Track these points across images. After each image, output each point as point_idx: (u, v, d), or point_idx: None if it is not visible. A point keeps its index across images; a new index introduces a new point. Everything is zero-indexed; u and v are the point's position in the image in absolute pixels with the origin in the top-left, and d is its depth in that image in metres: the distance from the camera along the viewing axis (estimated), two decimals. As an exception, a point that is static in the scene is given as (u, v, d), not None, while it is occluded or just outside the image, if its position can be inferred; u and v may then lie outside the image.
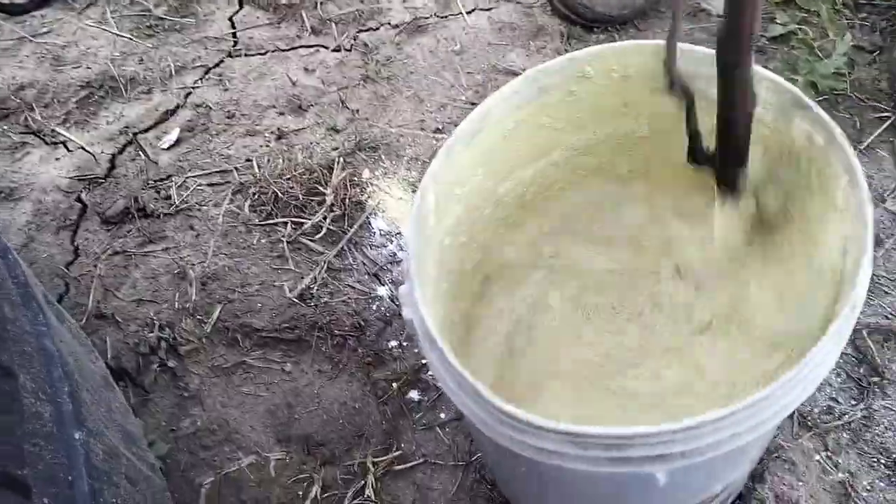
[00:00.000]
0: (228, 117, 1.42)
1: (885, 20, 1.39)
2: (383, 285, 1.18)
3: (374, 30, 1.54)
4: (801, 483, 0.95)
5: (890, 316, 1.07)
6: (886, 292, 1.09)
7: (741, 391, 0.79)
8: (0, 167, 1.37)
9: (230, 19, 1.59)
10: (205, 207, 1.29)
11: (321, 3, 1.58)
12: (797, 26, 1.36)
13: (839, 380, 1.03)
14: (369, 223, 1.25)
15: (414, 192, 1.22)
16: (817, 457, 0.97)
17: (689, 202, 0.86)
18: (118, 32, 1.58)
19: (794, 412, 0.99)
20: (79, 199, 1.33)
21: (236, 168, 1.33)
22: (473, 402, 0.57)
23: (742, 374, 0.80)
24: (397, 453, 1.02)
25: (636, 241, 0.92)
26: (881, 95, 1.29)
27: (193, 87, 1.47)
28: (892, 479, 0.95)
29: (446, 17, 1.54)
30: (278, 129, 1.38)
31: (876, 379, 1.02)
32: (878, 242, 1.14)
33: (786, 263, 0.78)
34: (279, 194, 1.26)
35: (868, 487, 0.95)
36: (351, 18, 1.55)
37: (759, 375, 0.78)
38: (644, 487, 0.67)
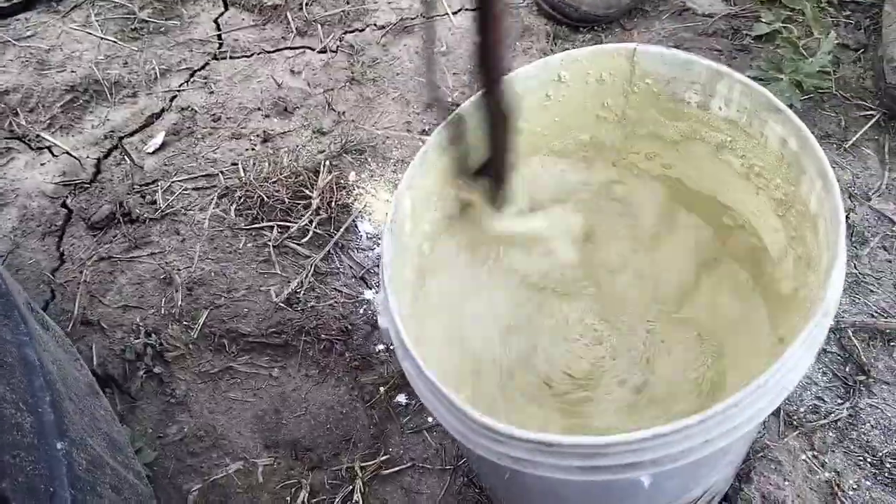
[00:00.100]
0: (214, 120, 1.41)
1: (869, 18, 1.39)
2: (370, 289, 1.18)
3: (360, 31, 1.53)
4: (787, 483, 0.95)
5: (875, 314, 1.07)
6: (872, 291, 1.09)
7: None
8: (-15, 173, 1.37)
9: (215, 21, 1.58)
10: (190, 212, 1.29)
11: (306, 5, 1.58)
12: (782, 25, 1.36)
13: (825, 379, 1.03)
14: (356, 226, 1.24)
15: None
16: (803, 456, 0.97)
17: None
18: (102, 35, 1.57)
19: (780, 411, 1.00)
20: (64, 205, 1.33)
21: (222, 172, 1.33)
22: (447, 411, 0.57)
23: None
24: (385, 458, 1.02)
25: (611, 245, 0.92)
26: (866, 93, 1.29)
27: (179, 90, 1.47)
28: (878, 478, 0.95)
29: (432, 17, 1.54)
30: (264, 131, 1.38)
31: (862, 377, 1.02)
32: (864, 241, 1.14)
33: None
34: (265, 198, 1.26)
35: (854, 486, 0.95)
36: (336, 20, 1.55)
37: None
38: (628, 492, 0.67)
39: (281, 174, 1.28)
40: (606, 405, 0.87)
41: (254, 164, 1.33)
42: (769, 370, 0.52)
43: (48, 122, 1.44)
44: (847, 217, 1.16)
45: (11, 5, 1.62)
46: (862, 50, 1.35)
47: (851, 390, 1.01)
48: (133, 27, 1.58)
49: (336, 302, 1.16)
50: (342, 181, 1.29)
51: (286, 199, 1.26)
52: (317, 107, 1.41)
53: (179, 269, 1.22)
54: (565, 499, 0.75)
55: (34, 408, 0.72)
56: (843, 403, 1.00)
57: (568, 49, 1.46)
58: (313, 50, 1.51)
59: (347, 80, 1.44)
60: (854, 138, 1.24)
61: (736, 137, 0.75)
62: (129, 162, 1.37)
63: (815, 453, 0.97)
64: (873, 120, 1.26)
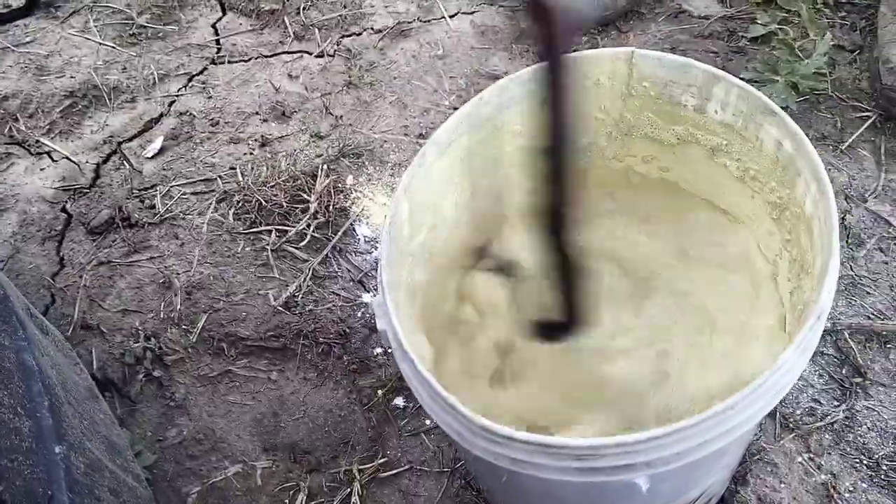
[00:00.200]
0: (212, 125, 1.42)
1: (865, 19, 1.39)
2: (368, 292, 1.18)
3: (358, 35, 1.54)
4: (783, 485, 0.96)
5: (872, 316, 1.07)
6: (868, 293, 1.10)
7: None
8: (-16, 178, 1.37)
9: (213, 26, 1.59)
10: (189, 216, 1.29)
11: (304, 9, 1.58)
12: (778, 26, 1.37)
13: (821, 381, 1.03)
14: (353, 230, 1.25)
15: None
16: (800, 458, 0.97)
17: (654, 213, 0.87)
18: (101, 41, 1.58)
19: (776, 414, 1.00)
20: (64, 210, 1.33)
21: (220, 176, 1.33)
22: (445, 412, 0.57)
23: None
24: (383, 460, 1.02)
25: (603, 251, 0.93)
26: (862, 95, 1.30)
27: (177, 95, 1.47)
28: (875, 480, 0.95)
29: (429, 21, 1.54)
30: (262, 136, 1.38)
31: (858, 380, 1.02)
32: (860, 243, 1.14)
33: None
34: (263, 202, 1.27)
35: (850, 488, 0.95)
36: (334, 24, 1.55)
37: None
38: (625, 495, 0.68)
39: (279, 178, 1.29)
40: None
41: (252, 168, 1.33)
42: (764, 373, 0.53)
43: (47, 127, 1.44)
44: (843, 219, 1.16)
45: (10, 11, 1.63)
46: (858, 51, 1.36)
47: (848, 393, 1.01)
48: (131, 33, 1.59)
49: (334, 305, 1.16)
50: (340, 185, 1.29)
51: (284, 203, 1.26)
52: (314, 111, 1.42)
53: (178, 274, 1.22)
54: (562, 501, 0.75)
55: (32, 412, 0.73)
56: (839, 406, 1.00)
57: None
58: (311, 54, 1.51)
59: (345, 85, 1.45)
60: (850, 140, 1.25)
61: (732, 141, 0.75)
62: (128, 167, 1.37)
63: (812, 456, 0.97)
64: (869, 121, 1.26)
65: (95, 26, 1.61)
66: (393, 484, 1.01)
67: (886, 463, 0.96)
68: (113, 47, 1.56)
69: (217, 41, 1.56)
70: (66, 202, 1.34)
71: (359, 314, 1.16)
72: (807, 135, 1.25)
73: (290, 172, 1.30)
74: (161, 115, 1.45)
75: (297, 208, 1.26)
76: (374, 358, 1.11)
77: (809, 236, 0.65)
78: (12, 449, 0.68)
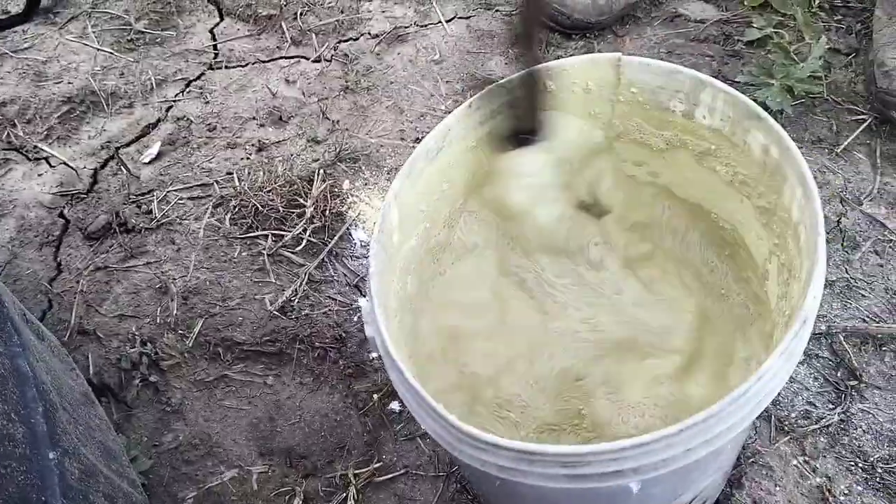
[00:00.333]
0: (209, 130, 1.42)
1: (860, 22, 1.39)
2: (364, 296, 1.18)
3: (355, 40, 1.54)
4: (778, 488, 0.96)
5: (867, 319, 1.07)
6: (863, 296, 1.10)
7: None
8: (-18, 184, 1.38)
9: (211, 32, 1.59)
10: (186, 221, 1.30)
11: (301, 14, 1.59)
12: (773, 30, 1.37)
13: (816, 384, 1.03)
14: (350, 234, 1.25)
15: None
16: (795, 461, 0.97)
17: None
18: (99, 47, 1.58)
19: (771, 417, 1.00)
20: (61, 215, 1.34)
21: (217, 181, 1.34)
22: (432, 419, 0.58)
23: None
24: (378, 465, 1.03)
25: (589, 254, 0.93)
26: (857, 98, 1.30)
27: (174, 101, 1.48)
28: (870, 483, 0.95)
29: (426, 25, 1.55)
30: (259, 141, 1.39)
31: (853, 382, 1.02)
32: (855, 246, 1.14)
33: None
34: (259, 207, 1.27)
35: (846, 491, 0.95)
36: (331, 29, 1.56)
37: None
38: (617, 499, 0.68)
39: (275, 183, 1.29)
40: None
41: (248, 173, 1.34)
42: (748, 380, 0.53)
43: (45, 133, 1.45)
44: (838, 222, 1.16)
45: (9, 17, 1.63)
46: (853, 54, 1.36)
47: (843, 395, 1.01)
48: (129, 38, 1.60)
49: (330, 310, 1.17)
50: (336, 190, 1.29)
51: (280, 207, 1.27)
52: (311, 116, 1.42)
53: (175, 279, 1.23)
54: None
55: (26, 418, 0.73)
56: (834, 408, 1.00)
57: (560, 56, 1.48)
58: (308, 59, 1.52)
59: (342, 89, 1.45)
60: (846, 143, 1.25)
61: (720, 145, 0.76)
62: (125, 172, 1.38)
63: (807, 458, 0.97)
64: (865, 124, 1.26)
65: (93, 32, 1.61)
66: (389, 488, 1.01)
67: (882, 466, 0.95)
68: (111, 53, 1.57)
69: (214, 46, 1.57)
70: (64, 207, 1.34)
71: (355, 318, 1.16)
72: (802, 138, 1.27)
73: (286, 177, 1.30)
74: (158, 121, 1.45)
75: (293, 213, 1.27)
76: (370, 362, 1.12)
77: (797, 241, 0.65)
78: (6, 455, 0.68)
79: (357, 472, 1.02)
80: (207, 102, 1.47)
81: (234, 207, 1.29)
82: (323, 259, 1.22)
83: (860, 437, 0.98)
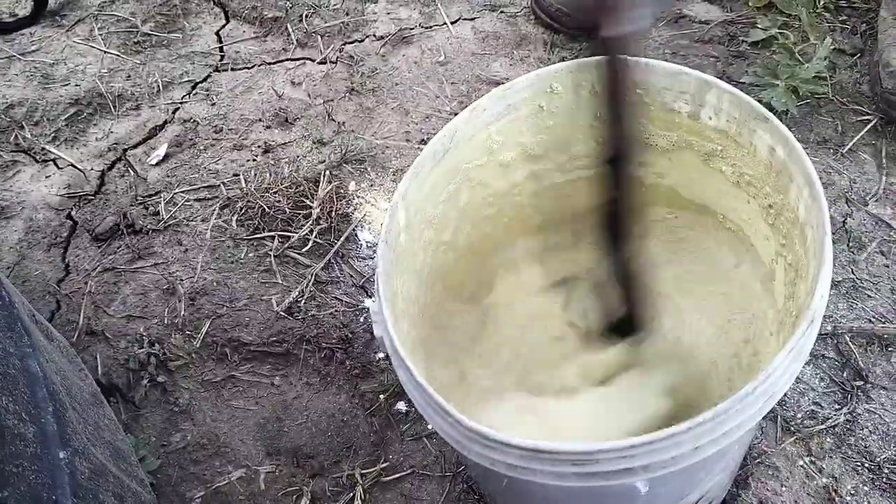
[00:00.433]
0: (216, 132, 1.43)
1: (865, 23, 1.39)
2: (370, 297, 1.19)
3: (360, 42, 1.55)
4: (784, 488, 0.96)
5: (873, 319, 1.07)
6: (869, 296, 1.10)
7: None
8: (-9, 186, 1.39)
9: (217, 34, 1.60)
10: (193, 223, 1.30)
11: (307, 16, 1.60)
12: (778, 31, 1.37)
13: (822, 384, 1.03)
14: (356, 235, 1.26)
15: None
16: (801, 462, 0.97)
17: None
18: (106, 49, 1.59)
19: (777, 417, 1.00)
20: (69, 217, 1.34)
21: (223, 183, 1.35)
22: (441, 418, 0.58)
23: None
24: (385, 465, 1.03)
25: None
26: (862, 98, 1.30)
27: (181, 103, 1.49)
28: (876, 483, 0.95)
29: (431, 27, 1.55)
30: (265, 142, 1.39)
31: (859, 383, 1.02)
32: (861, 246, 1.14)
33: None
34: (266, 208, 1.28)
35: (852, 492, 0.95)
36: (336, 31, 1.57)
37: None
38: (625, 498, 0.68)
39: (281, 184, 1.30)
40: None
41: (255, 174, 1.34)
42: (756, 378, 0.53)
43: (53, 135, 1.46)
44: (844, 222, 1.17)
45: (16, 20, 1.64)
46: (858, 55, 1.36)
47: (849, 396, 1.01)
48: (136, 40, 1.60)
49: (336, 311, 1.17)
50: (342, 191, 1.30)
51: (287, 209, 1.27)
52: (317, 117, 1.43)
53: (182, 280, 1.23)
54: (561, 505, 0.76)
55: (37, 418, 0.74)
56: (840, 409, 1.00)
57: (565, 57, 1.48)
58: (313, 61, 1.52)
59: (347, 91, 1.46)
60: (851, 143, 1.25)
61: (726, 146, 0.76)
62: (132, 174, 1.38)
63: (813, 459, 0.97)
64: (870, 125, 1.26)
65: (100, 34, 1.62)
66: (395, 488, 1.02)
67: (888, 466, 0.96)
68: (117, 55, 1.58)
69: (221, 49, 1.57)
70: (72, 209, 1.35)
71: (361, 319, 1.16)
72: (807, 138, 1.27)
73: (292, 179, 1.31)
74: (165, 123, 1.46)
75: (299, 214, 1.27)
76: (377, 363, 1.12)
77: (803, 241, 0.65)
78: (17, 454, 0.69)
79: (364, 471, 1.02)
80: (214, 104, 1.47)
81: (241, 209, 1.30)
82: (329, 260, 1.23)
83: (866, 438, 0.98)
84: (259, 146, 1.39)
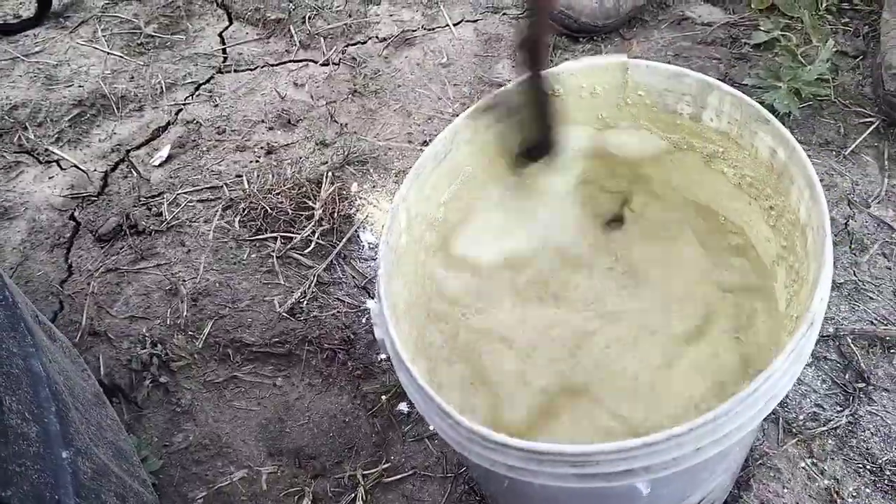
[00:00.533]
0: (218, 133, 1.43)
1: (868, 25, 1.39)
2: (372, 298, 1.19)
3: (363, 43, 1.55)
4: (786, 490, 0.96)
5: (875, 321, 1.07)
6: (871, 298, 1.10)
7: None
8: (-5, 187, 1.39)
9: (220, 35, 1.61)
10: (195, 224, 1.31)
11: (309, 18, 1.60)
12: (780, 33, 1.37)
13: (824, 386, 1.03)
14: (358, 237, 1.26)
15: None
16: (803, 463, 0.97)
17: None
18: (109, 50, 1.60)
19: (778, 419, 1.00)
20: (72, 218, 1.35)
21: (226, 184, 1.35)
22: (441, 419, 0.58)
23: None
24: (387, 465, 1.03)
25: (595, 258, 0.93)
26: (865, 101, 1.30)
27: (184, 104, 1.49)
28: (878, 485, 0.95)
29: (434, 29, 1.56)
30: (268, 144, 1.40)
31: (861, 385, 1.02)
32: (863, 248, 1.14)
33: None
34: (268, 209, 1.28)
35: (854, 494, 0.95)
36: (339, 32, 1.57)
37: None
38: (626, 500, 0.68)
39: (284, 186, 1.30)
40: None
41: (258, 175, 1.35)
42: (756, 379, 0.53)
43: (56, 136, 1.46)
44: (846, 224, 1.17)
45: (21, 22, 1.65)
46: (861, 57, 1.36)
47: (851, 398, 1.01)
48: (139, 42, 1.61)
49: (338, 312, 1.17)
50: (344, 192, 1.30)
51: (289, 210, 1.27)
52: (319, 119, 1.43)
53: (185, 280, 1.24)
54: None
55: (40, 418, 0.74)
56: (842, 411, 1.00)
57: (567, 59, 1.48)
58: (316, 63, 1.53)
59: (350, 93, 1.46)
60: (853, 145, 1.25)
61: (728, 148, 0.76)
62: (135, 175, 1.39)
63: (815, 460, 0.97)
64: (872, 127, 1.26)
65: (104, 36, 1.63)
66: (397, 489, 1.02)
67: (890, 468, 0.95)
68: (121, 56, 1.59)
69: (224, 50, 1.58)
70: (75, 210, 1.36)
71: (363, 320, 1.17)
72: (810, 140, 1.27)
73: (295, 180, 1.31)
74: (168, 124, 1.46)
75: (302, 215, 1.28)
76: (379, 364, 1.12)
77: (804, 243, 0.65)
78: (20, 454, 0.69)
79: (366, 472, 1.02)
80: (217, 106, 1.48)
81: (244, 210, 1.30)
82: (331, 261, 1.23)
83: (868, 440, 0.98)
84: (262, 147, 1.40)
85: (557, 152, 0.81)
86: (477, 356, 0.84)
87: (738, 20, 1.46)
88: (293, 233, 1.26)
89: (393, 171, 1.33)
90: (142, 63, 1.57)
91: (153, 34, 1.62)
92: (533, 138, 0.79)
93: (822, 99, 1.30)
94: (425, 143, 1.36)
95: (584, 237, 0.91)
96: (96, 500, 0.76)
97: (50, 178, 1.41)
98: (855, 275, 1.12)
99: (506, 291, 0.89)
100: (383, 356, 1.13)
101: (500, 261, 0.89)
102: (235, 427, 1.09)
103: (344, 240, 1.25)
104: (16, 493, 0.66)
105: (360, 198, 1.30)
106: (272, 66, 1.54)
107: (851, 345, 1.05)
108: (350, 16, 1.60)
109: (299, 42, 1.56)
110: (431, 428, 1.05)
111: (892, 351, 1.04)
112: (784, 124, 0.69)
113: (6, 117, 1.49)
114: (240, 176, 1.36)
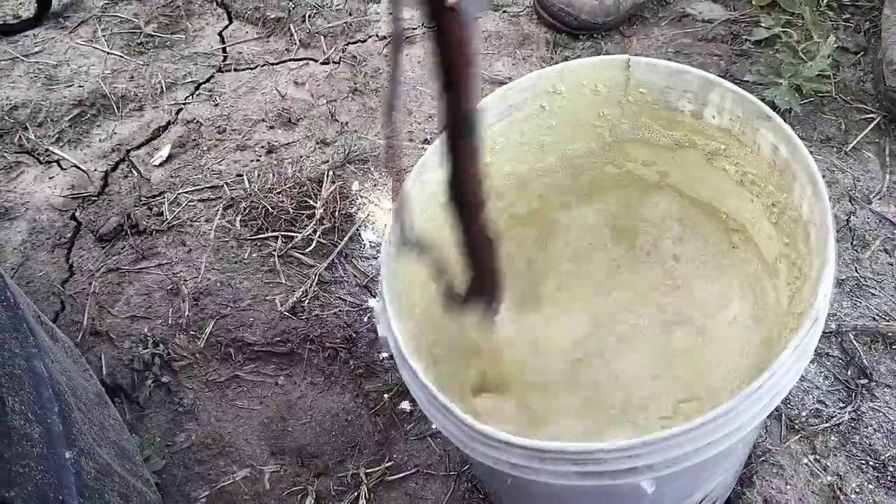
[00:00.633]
0: (219, 132, 1.43)
1: (869, 21, 1.39)
2: (374, 297, 1.19)
3: (363, 42, 1.55)
4: (789, 487, 0.96)
5: (877, 318, 1.07)
6: (873, 294, 1.10)
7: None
8: (-5, 187, 1.39)
9: (220, 34, 1.60)
10: (196, 223, 1.31)
11: (309, 17, 1.60)
12: (781, 29, 1.37)
13: (827, 383, 1.03)
14: (359, 235, 1.26)
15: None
16: (805, 460, 0.97)
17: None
18: (109, 50, 1.60)
19: (781, 416, 1.00)
20: (73, 218, 1.35)
21: (227, 183, 1.35)
22: (444, 417, 0.58)
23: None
24: (390, 464, 1.03)
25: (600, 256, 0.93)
26: (866, 97, 1.30)
27: (184, 103, 1.49)
28: (881, 481, 0.95)
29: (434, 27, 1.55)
30: (268, 143, 1.40)
31: (864, 381, 1.02)
32: (865, 244, 1.14)
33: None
34: (269, 209, 1.28)
35: (857, 490, 0.95)
36: (339, 31, 1.57)
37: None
38: (630, 498, 0.68)
39: (285, 185, 1.30)
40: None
41: (258, 175, 1.34)
42: (761, 377, 0.53)
43: (56, 136, 1.46)
44: (848, 221, 1.16)
45: (20, 22, 1.65)
46: (862, 53, 1.36)
47: (853, 394, 1.01)
48: (139, 42, 1.61)
49: (340, 310, 1.17)
50: (345, 191, 1.30)
51: (290, 209, 1.27)
52: (320, 118, 1.43)
53: (186, 280, 1.24)
54: (567, 504, 0.76)
55: (43, 418, 0.74)
56: (845, 407, 1.00)
57: (568, 56, 1.48)
58: (316, 61, 1.53)
59: (350, 91, 1.46)
60: (854, 142, 1.25)
61: (730, 145, 0.76)
62: (136, 174, 1.39)
63: (818, 457, 0.97)
64: (874, 123, 1.26)
65: (103, 36, 1.63)
66: (400, 487, 1.02)
67: (893, 464, 0.96)
68: (121, 56, 1.58)
69: (224, 49, 1.58)
70: (75, 210, 1.35)
71: (365, 319, 1.17)
72: (811, 137, 1.27)
73: (296, 179, 1.31)
74: (168, 123, 1.46)
75: (303, 214, 1.27)
76: (381, 362, 1.12)
77: (806, 240, 0.65)
78: (23, 454, 0.69)
79: (368, 471, 1.02)
80: (217, 105, 1.48)
81: (245, 209, 1.30)
82: (333, 260, 1.23)
83: (871, 436, 0.98)
84: (262, 146, 1.40)
85: (497, 302, 0.69)
86: (480, 355, 0.84)
87: (739, 16, 1.46)
88: (294, 232, 1.26)
89: (394, 170, 1.33)
90: (142, 63, 1.57)
91: (153, 34, 1.62)
92: (470, 283, 0.66)
93: (823, 95, 1.29)
94: (426, 142, 1.36)
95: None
96: (100, 500, 0.76)
97: (50, 178, 1.41)
98: (857, 271, 1.12)
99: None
100: (385, 354, 1.13)
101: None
102: (238, 426, 1.09)
103: (345, 239, 1.25)
104: (19, 493, 0.66)
105: (362, 196, 1.30)
106: (272, 64, 1.54)
107: (853, 341, 1.05)
108: (350, 14, 1.60)
109: (299, 41, 1.56)
110: (434, 426, 1.05)
111: (894, 347, 1.04)
112: (785, 121, 0.69)
113: (6, 118, 1.49)
114: (240, 175, 1.35)
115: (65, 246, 1.31)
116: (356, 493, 1.01)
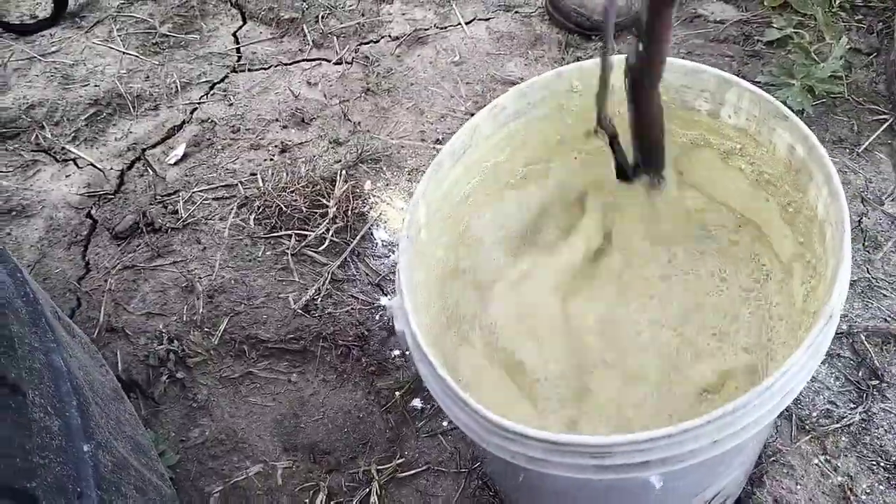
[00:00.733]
0: (233, 132, 1.44)
1: (881, 22, 1.39)
2: (386, 295, 1.20)
3: (375, 42, 1.56)
4: (799, 487, 0.96)
5: (889, 319, 1.07)
6: (885, 295, 1.10)
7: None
8: (12, 185, 1.41)
9: (234, 35, 1.62)
10: (211, 221, 1.32)
11: (322, 17, 1.61)
12: (793, 30, 1.37)
13: (838, 383, 1.03)
14: (371, 234, 1.27)
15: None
16: (816, 460, 0.98)
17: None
18: (125, 50, 1.61)
19: (792, 416, 1.00)
20: (89, 215, 1.36)
21: (241, 182, 1.36)
22: (462, 412, 0.59)
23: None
24: (401, 461, 1.04)
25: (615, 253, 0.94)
26: (878, 98, 1.30)
27: (199, 103, 1.50)
28: (892, 482, 0.95)
29: (446, 28, 1.56)
30: (282, 142, 1.41)
31: (875, 382, 1.02)
32: (877, 245, 1.14)
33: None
34: (283, 207, 1.29)
35: (867, 490, 0.95)
36: (352, 31, 1.58)
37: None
38: (639, 494, 0.69)
39: (298, 184, 1.31)
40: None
41: (272, 174, 1.36)
42: (774, 373, 0.54)
43: (73, 134, 1.48)
44: (860, 222, 1.17)
45: (37, 22, 1.67)
46: (874, 54, 1.35)
47: (864, 395, 1.01)
48: (154, 42, 1.62)
49: (352, 308, 1.18)
50: (358, 190, 1.31)
51: (303, 208, 1.28)
52: (333, 117, 1.44)
53: (200, 278, 1.25)
54: (578, 501, 0.76)
55: (62, 412, 0.75)
56: (856, 408, 1.00)
57: (580, 57, 1.48)
58: (329, 62, 1.54)
59: (363, 91, 1.47)
60: (867, 143, 1.25)
61: (746, 145, 0.76)
62: (151, 173, 1.40)
63: (828, 457, 0.97)
64: (886, 124, 1.26)
65: (119, 36, 1.64)
66: (411, 484, 1.02)
67: (904, 465, 0.96)
68: (136, 56, 1.60)
69: (238, 49, 1.59)
70: (92, 208, 1.37)
71: (377, 317, 1.17)
72: (823, 138, 1.27)
73: (309, 178, 1.32)
74: (183, 123, 1.48)
75: (316, 213, 1.28)
76: (392, 360, 1.13)
77: (822, 240, 0.66)
78: (43, 446, 0.70)
79: (380, 467, 1.03)
80: (231, 104, 1.49)
81: (258, 208, 1.31)
82: (345, 258, 1.24)
83: (882, 437, 0.98)
84: (276, 146, 1.41)
85: (661, 170, 0.78)
86: (496, 348, 0.85)
87: (751, 17, 1.46)
88: (307, 230, 1.27)
89: (406, 169, 1.34)
90: (157, 62, 1.58)
91: (168, 34, 1.63)
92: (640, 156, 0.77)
93: (836, 96, 1.30)
94: (438, 142, 1.37)
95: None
96: (116, 493, 0.77)
97: (67, 176, 1.42)
98: (868, 272, 1.12)
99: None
100: (397, 352, 1.14)
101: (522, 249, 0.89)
102: (251, 422, 1.10)
103: (358, 237, 1.25)
104: (40, 484, 0.67)
105: (374, 196, 1.31)
106: (286, 65, 1.55)
107: (865, 342, 1.05)
108: (363, 15, 1.61)
109: (312, 41, 1.57)
110: (445, 424, 1.06)
111: (906, 348, 1.04)
112: (798, 121, 0.69)
113: (23, 116, 1.50)
114: (254, 174, 1.37)
115: (81, 243, 1.33)
116: (367, 490, 1.01)
